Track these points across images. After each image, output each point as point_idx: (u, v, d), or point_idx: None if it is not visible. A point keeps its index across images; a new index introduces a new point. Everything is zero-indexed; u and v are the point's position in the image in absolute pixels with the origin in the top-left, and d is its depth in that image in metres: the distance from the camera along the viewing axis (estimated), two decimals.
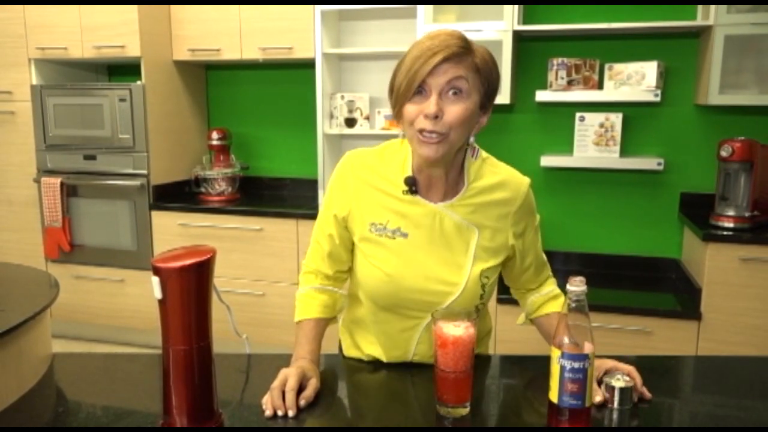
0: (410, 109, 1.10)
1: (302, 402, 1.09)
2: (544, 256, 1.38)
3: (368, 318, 1.31)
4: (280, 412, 1.07)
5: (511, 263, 1.32)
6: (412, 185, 1.19)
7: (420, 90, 1.09)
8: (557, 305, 1.35)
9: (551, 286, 1.39)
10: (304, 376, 1.14)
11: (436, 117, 1.08)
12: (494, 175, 1.23)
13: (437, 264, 1.20)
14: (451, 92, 1.09)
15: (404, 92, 1.10)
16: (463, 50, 1.08)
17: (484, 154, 1.27)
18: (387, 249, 1.21)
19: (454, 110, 1.09)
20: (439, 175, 1.18)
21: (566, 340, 0.98)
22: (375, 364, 1.35)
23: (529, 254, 1.31)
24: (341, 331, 1.46)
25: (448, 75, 1.07)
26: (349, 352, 1.42)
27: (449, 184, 1.20)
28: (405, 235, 1.20)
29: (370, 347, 1.35)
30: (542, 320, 1.37)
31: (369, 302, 1.28)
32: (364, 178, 1.23)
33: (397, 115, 1.14)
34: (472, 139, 1.19)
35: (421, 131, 1.10)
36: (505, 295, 2.93)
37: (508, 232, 1.24)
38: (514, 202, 1.24)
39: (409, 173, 1.20)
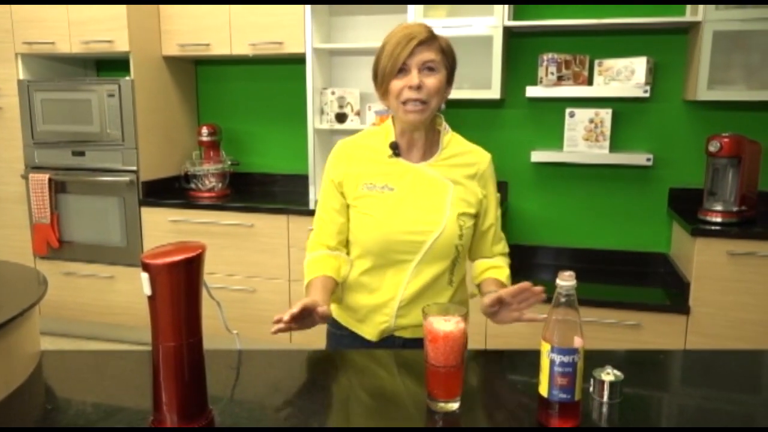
0: (396, 84, 1.37)
1: (295, 309, 1.24)
2: (503, 234, 1.57)
3: (363, 275, 1.47)
4: (274, 326, 1.24)
5: (475, 224, 1.49)
6: (396, 148, 1.45)
7: (402, 69, 1.36)
8: (499, 273, 1.50)
9: (501, 260, 1.55)
10: (313, 303, 1.28)
11: (419, 88, 1.35)
12: (463, 145, 1.51)
13: (420, 210, 1.41)
14: (426, 69, 1.36)
15: (390, 72, 1.36)
16: (431, 36, 1.37)
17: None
18: (377, 200, 1.42)
19: (431, 81, 1.36)
20: (419, 138, 1.44)
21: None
22: (366, 356, 1.35)
23: (488, 217, 1.51)
24: (333, 308, 1.57)
25: (423, 56, 1.35)
26: (337, 313, 1.56)
27: (427, 146, 1.45)
28: (392, 189, 1.42)
29: (358, 311, 1.51)
30: (481, 284, 1.53)
31: (364, 254, 1.46)
32: (353, 153, 1.49)
33: (383, 92, 1.41)
34: (443, 107, 1.46)
35: (406, 102, 1.37)
36: None
37: (477, 189, 1.47)
38: (480, 166, 1.49)
39: (393, 140, 1.46)
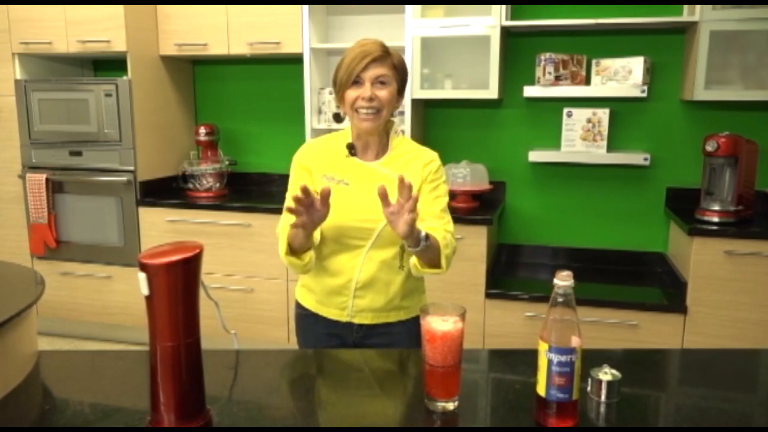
0: (350, 94, 1.54)
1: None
2: (448, 216, 1.62)
3: (321, 260, 1.61)
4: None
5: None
6: (352, 149, 1.62)
7: (356, 81, 1.53)
8: (432, 231, 1.51)
9: (439, 229, 1.56)
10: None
11: (371, 99, 1.52)
12: (411, 146, 1.67)
13: (371, 202, 1.48)
14: (378, 82, 1.53)
15: (345, 83, 1.54)
16: (384, 54, 1.54)
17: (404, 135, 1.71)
18: (336, 192, 1.50)
19: (383, 93, 1.54)
20: (373, 141, 1.61)
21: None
22: (364, 355, 1.35)
23: (428, 194, 1.60)
24: (297, 291, 1.74)
25: (376, 71, 1.53)
26: (301, 295, 1.70)
27: (379, 148, 1.62)
28: (347, 184, 1.58)
29: (319, 293, 1.64)
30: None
31: (321, 240, 1.59)
32: (316, 150, 1.66)
33: (340, 99, 1.58)
34: (396, 120, 1.64)
35: (358, 110, 1.54)
36: (494, 290, 2.94)
37: (421, 174, 1.60)
38: (423, 160, 1.63)
39: (350, 141, 1.63)
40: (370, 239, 1.57)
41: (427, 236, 1.44)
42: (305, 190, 1.36)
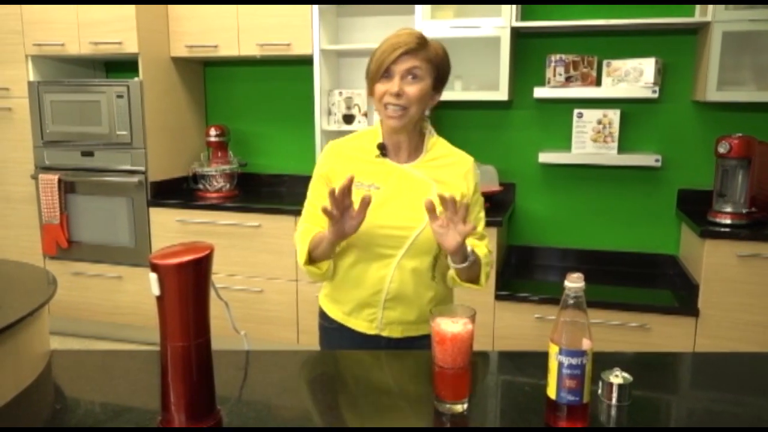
0: (379, 87, 1.44)
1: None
2: (486, 234, 1.57)
3: (349, 269, 1.51)
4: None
5: None
6: (383, 149, 1.51)
7: (386, 74, 1.42)
8: (476, 247, 1.46)
9: (481, 246, 1.51)
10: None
11: (398, 94, 1.41)
12: (448, 148, 1.56)
13: (403, 207, 1.46)
14: (409, 76, 1.42)
15: (374, 75, 1.44)
16: (418, 46, 1.42)
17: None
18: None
19: (412, 89, 1.42)
20: (403, 140, 1.50)
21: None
22: (374, 356, 1.35)
23: (472, 213, 1.50)
24: (321, 301, 1.64)
25: (407, 64, 1.41)
26: (327, 306, 1.60)
27: (411, 148, 1.52)
28: (378, 188, 1.47)
29: (346, 304, 1.54)
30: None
31: (349, 247, 1.50)
32: (343, 152, 1.55)
33: (370, 92, 1.48)
34: (428, 113, 1.53)
35: (386, 105, 1.43)
36: (504, 292, 2.93)
37: (463, 186, 1.51)
38: (463, 167, 1.54)
39: (381, 141, 1.52)
40: (402, 248, 1.46)
41: (473, 252, 1.39)
42: (344, 190, 1.29)
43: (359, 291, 1.51)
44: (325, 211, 1.30)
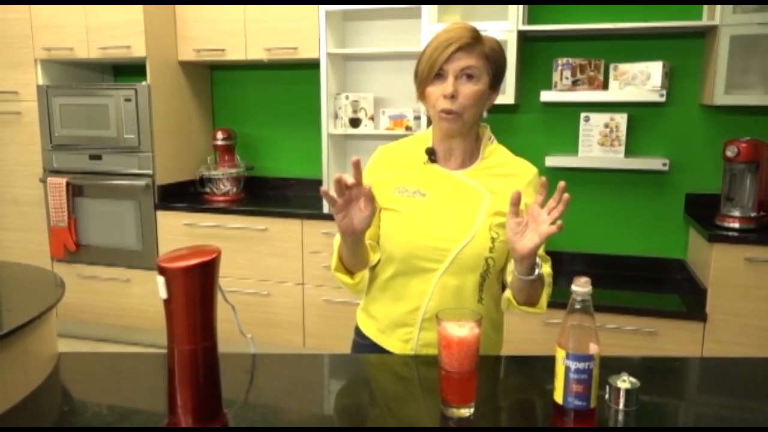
0: (432, 90, 1.31)
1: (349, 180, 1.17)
2: (548, 258, 1.41)
3: (386, 282, 1.40)
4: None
5: None
6: (432, 154, 1.39)
7: (439, 75, 1.30)
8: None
9: (544, 265, 1.37)
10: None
11: (453, 96, 1.28)
12: (507, 157, 1.44)
13: (450, 217, 1.34)
14: (464, 76, 1.29)
15: (426, 76, 1.31)
16: (473, 41, 1.29)
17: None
18: (408, 205, 1.36)
19: (468, 90, 1.29)
20: (457, 146, 1.38)
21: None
22: (380, 360, 1.35)
23: None
24: (358, 315, 1.53)
25: (461, 62, 1.28)
26: (362, 321, 1.50)
27: (466, 154, 1.39)
28: (424, 195, 1.36)
29: (381, 320, 1.43)
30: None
31: (388, 259, 1.39)
32: (389, 158, 1.44)
33: (421, 96, 1.36)
34: (485, 115, 1.40)
35: (441, 110, 1.30)
36: None
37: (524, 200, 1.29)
38: (524, 177, 1.40)
39: (430, 146, 1.40)
40: (444, 263, 1.32)
41: (539, 265, 1.27)
42: (348, 183, 1.17)
43: (396, 307, 1.39)
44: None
